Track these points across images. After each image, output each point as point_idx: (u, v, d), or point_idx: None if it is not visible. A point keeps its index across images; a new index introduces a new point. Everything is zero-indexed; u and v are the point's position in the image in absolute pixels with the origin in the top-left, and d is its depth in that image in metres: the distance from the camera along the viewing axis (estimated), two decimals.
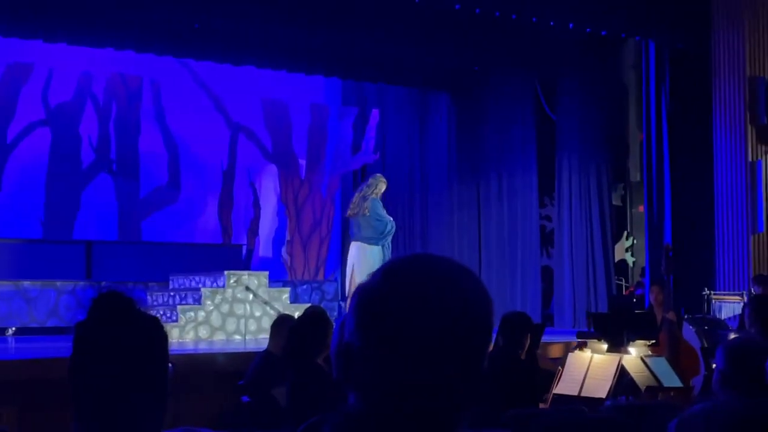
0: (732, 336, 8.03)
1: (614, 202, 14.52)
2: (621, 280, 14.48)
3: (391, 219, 11.16)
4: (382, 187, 11.27)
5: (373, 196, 11.13)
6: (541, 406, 6.62)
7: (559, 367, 7.09)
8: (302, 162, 15.21)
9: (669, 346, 8.27)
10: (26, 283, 12.07)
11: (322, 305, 12.66)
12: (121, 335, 1.91)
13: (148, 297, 11.87)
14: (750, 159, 11.94)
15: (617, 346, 7.49)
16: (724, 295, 11.63)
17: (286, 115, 15.06)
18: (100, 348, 1.91)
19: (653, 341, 8.04)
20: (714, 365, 6.55)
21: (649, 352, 7.68)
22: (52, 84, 13.09)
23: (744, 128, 11.97)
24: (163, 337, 1.98)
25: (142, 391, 1.91)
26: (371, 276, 1.40)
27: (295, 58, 13.41)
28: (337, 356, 1.36)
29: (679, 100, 12.82)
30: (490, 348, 1.45)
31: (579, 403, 6.43)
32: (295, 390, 5.53)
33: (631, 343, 7.60)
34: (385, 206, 11.68)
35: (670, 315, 8.55)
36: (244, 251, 14.32)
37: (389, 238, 11.15)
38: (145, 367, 1.91)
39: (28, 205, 12.84)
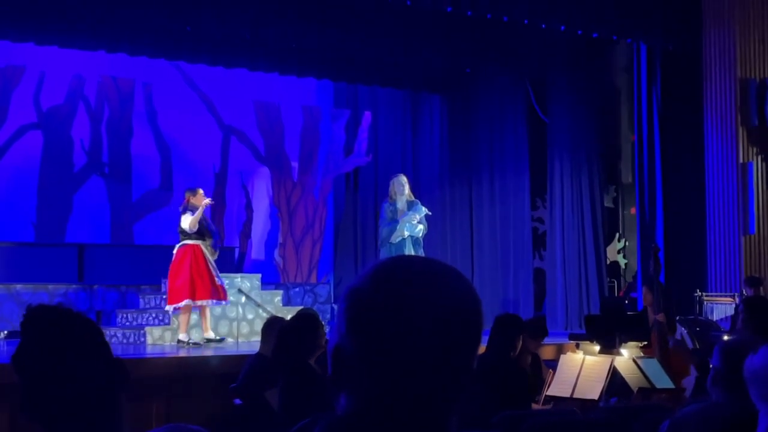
0: (725, 337, 8.05)
1: (606, 204, 14.54)
2: (613, 282, 14.50)
3: (401, 219, 11.32)
4: (393, 189, 11.52)
5: (389, 201, 11.51)
6: (535, 406, 6.63)
7: (550, 370, 7.10)
8: (294, 164, 15.20)
9: (659, 348, 8.29)
10: (18, 287, 12.04)
11: (314, 308, 12.69)
12: (56, 346, 1.96)
13: (141, 300, 11.86)
14: (741, 161, 11.97)
15: (609, 347, 7.51)
16: (716, 296, 11.66)
17: (278, 117, 15.06)
18: (42, 366, 1.95)
19: (645, 342, 8.06)
20: (694, 368, 6.55)
21: (641, 354, 7.69)
22: (44, 87, 13.06)
23: (735, 130, 12.00)
24: (93, 329, 2.02)
25: (94, 387, 1.94)
26: (360, 278, 1.40)
27: (287, 61, 13.41)
28: (329, 358, 1.37)
29: (671, 102, 12.85)
30: (482, 350, 1.46)
31: (571, 404, 6.44)
32: (287, 390, 5.53)
33: (623, 344, 7.61)
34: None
35: (660, 317, 8.57)
36: (236, 254, 14.30)
37: (388, 241, 11.30)
38: (90, 364, 1.95)
39: (20, 208, 12.81)
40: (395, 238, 11.39)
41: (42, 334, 1.97)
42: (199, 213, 10.06)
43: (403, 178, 11.75)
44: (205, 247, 10.18)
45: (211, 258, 10.23)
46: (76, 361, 1.94)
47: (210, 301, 10.17)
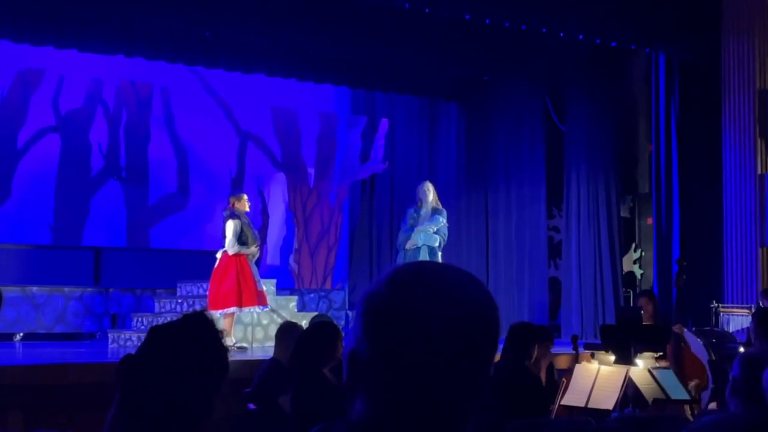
0: (741, 349, 8.01)
1: (623, 214, 14.49)
2: (629, 292, 14.44)
3: (416, 228, 11.30)
4: (418, 195, 11.52)
5: (415, 206, 11.51)
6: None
7: (563, 379, 7.07)
8: (311, 170, 15.22)
9: (674, 359, 8.25)
10: (34, 289, 12.10)
11: (329, 314, 12.70)
12: (190, 353, 1.98)
13: (156, 304, 11.88)
14: (759, 172, 11.91)
15: (624, 357, 7.47)
16: (732, 307, 11.60)
17: (296, 123, 15.08)
18: (166, 355, 1.97)
19: (660, 353, 8.02)
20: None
21: (657, 364, 7.66)
22: (63, 90, 13.12)
23: (753, 141, 11.95)
24: (224, 371, 2.07)
25: (185, 405, 1.95)
26: (377, 283, 1.40)
27: (304, 67, 13.42)
28: (345, 362, 1.36)
29: (689, 112, 12.81)
30: (497, 357, 1.45)
31: (586, 414, 6.41)
32: (299, 400, 5.53)
33: (638, 354, 7.57)
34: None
35: (677, 328, 8.52)
36: None
37: (403, 247, 11.29)
38: (197, 390, 1.97)
39: (37, 210, 12.86)
40: (410, 245, 11.35)
41: (190, 338, 1.99)
42: (242, 249, 10.27)
43: (428, 185, 11.67)
44: (249, 253, 10.30)
45: (253, 264, 10.39)
46: (191, 379, 1.97)
47: (257, 308, 10.39)
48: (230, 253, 10.23)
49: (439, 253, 11.53)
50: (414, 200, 15.20)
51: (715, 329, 10.80)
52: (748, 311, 11.11)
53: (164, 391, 1.95)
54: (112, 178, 13.52)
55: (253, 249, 10.43)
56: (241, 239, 10.27)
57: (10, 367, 7.72)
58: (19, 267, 12.50)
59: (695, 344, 8.91)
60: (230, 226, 10.27)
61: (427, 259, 11.20)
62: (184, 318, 2.05)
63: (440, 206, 11.66)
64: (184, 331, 2.02)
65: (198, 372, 1.99)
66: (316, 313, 12.15)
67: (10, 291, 11.89)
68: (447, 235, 11.65)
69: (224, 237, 10.38)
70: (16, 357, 9.69)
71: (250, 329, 11.09)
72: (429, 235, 11.39)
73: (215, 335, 2.05)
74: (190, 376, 1.97)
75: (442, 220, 11.48)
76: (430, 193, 11.55)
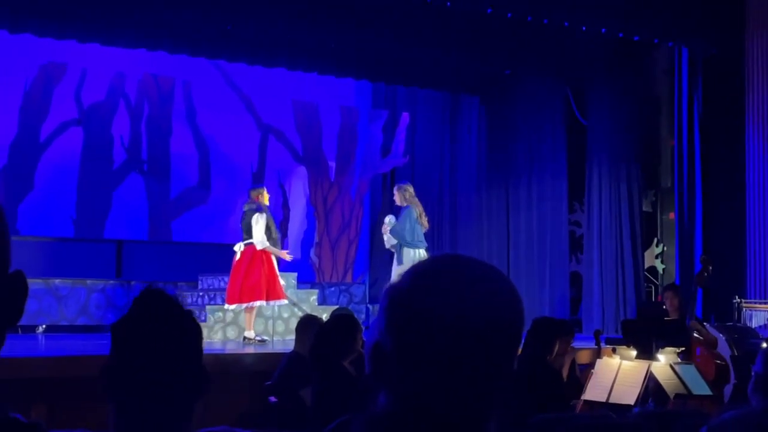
0: (765, 345, 7.96)
1: (644, 209, 14.42)
2: (650, 287, 14.38)
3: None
4: None
5: None
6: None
7: (592, 371, 7.04)
8: (332, 164, 15.23)
9: (685, 356, 8.21)
10: (57, 281, 12.16)
11: (349, 308, 12.70)
12: (158, 333, 1.96)
13: (178, 297, 11.92)
14: None
15: (646, 352, 7.44)
16: (755, 303, 11.54)
17: (317, 117, 15.09)
18: (137, 345, 1.95)
19: (683, 348, 7.98)
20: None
21: (678, 360, 7.63)
22: (86, 84, 13.18)
23: None
24: (198, 332, 2.03)
25: (177, 385, 1.95)
26: (401, 276, 1.40)
27: (325, 61, 13.42)
28: (368, 356, 1.36)
29: (712, 107, 12.74)
30: (519, 351, 1.45)
31: (607, 409, 6.39)
32: (320, 392, 5.54)
33: (660, 349, 7.54)
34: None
35: (692, 324, 8.46)
36: None
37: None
38: (181, 363, 1.96)
39: (60, 203, 12.94)
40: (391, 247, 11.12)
41: (151, 318, 1.98)
42: (271, 247, 10.33)
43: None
44: (275, 252, 10.38)
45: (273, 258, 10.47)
46: (170, 356, 1.96)
47: (282, 301, 10.48)
48: (259, 248, 10.23)
49: (411, 250, 10.78)
50: (432, 196, 15.16)
51: (738, 325, 10.74)
52: None
53: (153, 381, 1.94)
54: (134, 171, 13.58)
55: (279, 251, 10.52)
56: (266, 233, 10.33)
57: (33, 359, 7.77)
58: (42, 259, 12.58)
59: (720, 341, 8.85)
60: (259, 221, 10.27)
61: (401, 257, 10.84)
62: (136, 303, 2.03)
63: (404, 204, 11.00)
64: (143, 315, 2.00)
65: (175, 347, 1.97)
66: (336, 307, 12.16)
67: (33, 283, 11.96)
68: (407, 229, 10.82)
69: (245, 231, 10.38)
70: (38, 349, 9.76)
71: (271, 322, 11.12)
72: (389, 236, 11.04)
73: (172, 303, 2.04)
74: (169, 354, 1.96)
75: (391, 220, 11.02)
76: (395, 196, 11.12)
